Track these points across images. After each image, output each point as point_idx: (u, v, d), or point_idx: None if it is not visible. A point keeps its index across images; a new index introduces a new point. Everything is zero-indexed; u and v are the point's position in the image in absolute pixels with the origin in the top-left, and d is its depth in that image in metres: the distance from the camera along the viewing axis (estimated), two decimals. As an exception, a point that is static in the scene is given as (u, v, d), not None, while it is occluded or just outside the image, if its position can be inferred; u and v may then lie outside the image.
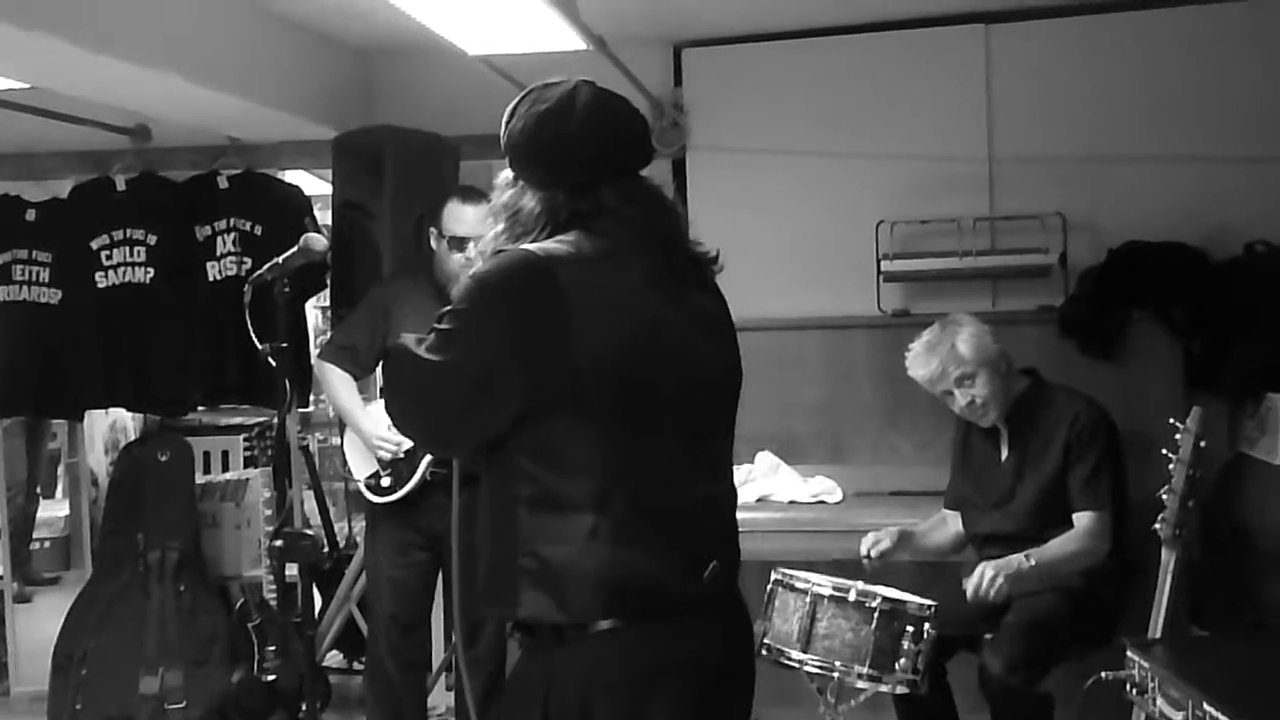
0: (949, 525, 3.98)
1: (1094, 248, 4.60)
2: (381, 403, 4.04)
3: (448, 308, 2.05)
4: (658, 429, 2.04)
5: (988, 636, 3.65)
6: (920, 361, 3.78)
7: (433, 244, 3.98)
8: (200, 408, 5.49)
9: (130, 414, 5.92)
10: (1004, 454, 3.83)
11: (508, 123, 2.14)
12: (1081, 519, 3.64)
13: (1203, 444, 2.81)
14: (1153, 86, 4.61)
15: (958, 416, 3.89)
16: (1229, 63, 4.53)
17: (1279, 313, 4.08)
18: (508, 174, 2.16)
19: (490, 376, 1.99)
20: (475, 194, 3.82)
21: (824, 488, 4.56)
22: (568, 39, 3.68)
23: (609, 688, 2.00)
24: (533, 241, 2.06)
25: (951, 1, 4.67)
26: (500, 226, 2.14)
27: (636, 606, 2.01)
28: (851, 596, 3.31)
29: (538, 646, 2.06)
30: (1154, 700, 2.48)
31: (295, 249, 3.24)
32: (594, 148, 2.10)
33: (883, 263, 4.67)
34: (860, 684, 3.30)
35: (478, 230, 3.12)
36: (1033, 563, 3.53)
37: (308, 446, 5.45)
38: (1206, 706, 2.27)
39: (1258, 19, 4.51)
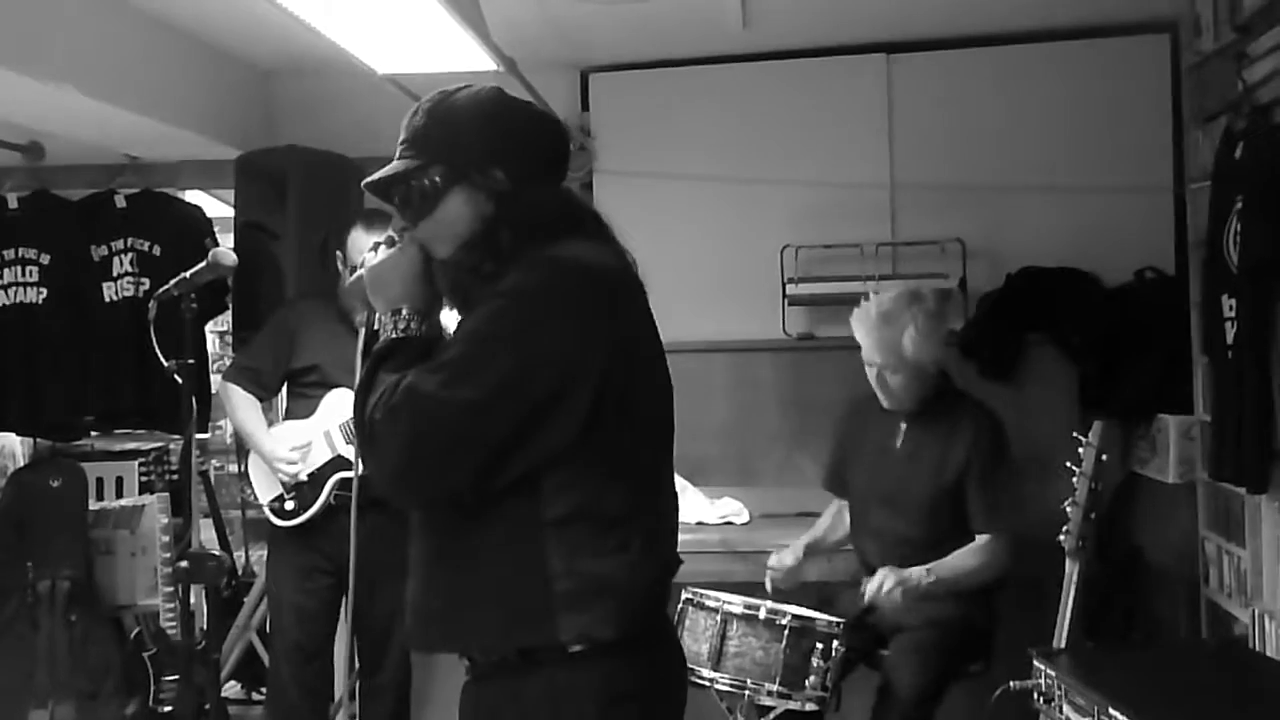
0: (844, 515, 3.97)
1: (992, 273, 4.70)
2: (289, 425, 3.98)
3: (477, 332, 1.88)
4: (661, 443, 2.06)
5: (884, 653, 3.66)
6: (864, 328, 3.69)
7: (340, 267, 3.95)
8: (94, 432, 5.34)
9: (20, 439, 5.73)
10: (899, 443, 3.79)
11: (439, 105, 2.00)
12: (983, 539, 3.66)
13: (1104, 457, 2.89)
14: (1048, 117, 4.74)
15: (848, 401, 3.95)
16: (1120, 95, 4.67)
17: (1168, 337, 4.20)
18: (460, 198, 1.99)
19: (549, 398, 1.85)
20: (380, 220, 3.69)
21: (731, 509, 4.59)
22: (478, 60, 3.67)
23: (621, 700, 1.95)
24: (540, 245, 1.94)
25: (854, 32, 4.75)
26: (479, 242, 1.97)
27: (652, 618, 2.01)
28: (762, 614, 3.34)
29: (534, 665, 1.94)
30: (1060, 708, 2.54)
31: (204, 263, 3.20)
32: (560, 137, 2.08)
33: (787, 287, 4.74)
34: (770, 701, 3.33)
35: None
36: (932, 578, 3.55)
37: (207, 472, 5.34)
38: (1113, 712, 2.33)
39: (1146, 53, 4.67)
